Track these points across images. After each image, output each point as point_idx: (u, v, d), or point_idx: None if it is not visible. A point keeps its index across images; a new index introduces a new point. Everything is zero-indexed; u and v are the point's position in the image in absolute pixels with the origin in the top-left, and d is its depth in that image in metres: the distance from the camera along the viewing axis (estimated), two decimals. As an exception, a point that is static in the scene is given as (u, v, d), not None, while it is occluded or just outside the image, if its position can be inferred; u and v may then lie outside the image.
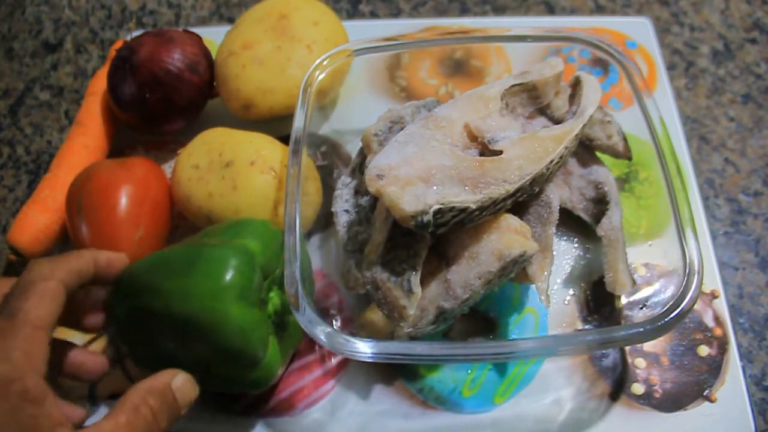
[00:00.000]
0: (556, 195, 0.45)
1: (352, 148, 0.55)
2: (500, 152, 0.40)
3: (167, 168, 0.56)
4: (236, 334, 0.37)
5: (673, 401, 0.43)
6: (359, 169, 0.48)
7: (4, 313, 0.32)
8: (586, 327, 0.46)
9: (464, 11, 0.66)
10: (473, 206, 0.38)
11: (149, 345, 0.40)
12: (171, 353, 0.39)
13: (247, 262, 0.39)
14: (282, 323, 0.42)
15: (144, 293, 0.39)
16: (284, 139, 0.49)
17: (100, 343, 0.48)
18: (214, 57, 0.55)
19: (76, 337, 0.49)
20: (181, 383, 0.35)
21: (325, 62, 0.49)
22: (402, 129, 0.42)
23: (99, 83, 0.57)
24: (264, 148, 0.48)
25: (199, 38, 0.55)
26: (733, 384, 0.43)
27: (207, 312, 0.37)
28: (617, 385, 0.44)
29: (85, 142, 0.54)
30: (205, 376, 0.40)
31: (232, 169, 0.47)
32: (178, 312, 0.38)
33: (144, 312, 0.39)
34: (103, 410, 0.46)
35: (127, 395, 0.33)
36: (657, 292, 0.46)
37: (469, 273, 0.39)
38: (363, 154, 0.48)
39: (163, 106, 0.52)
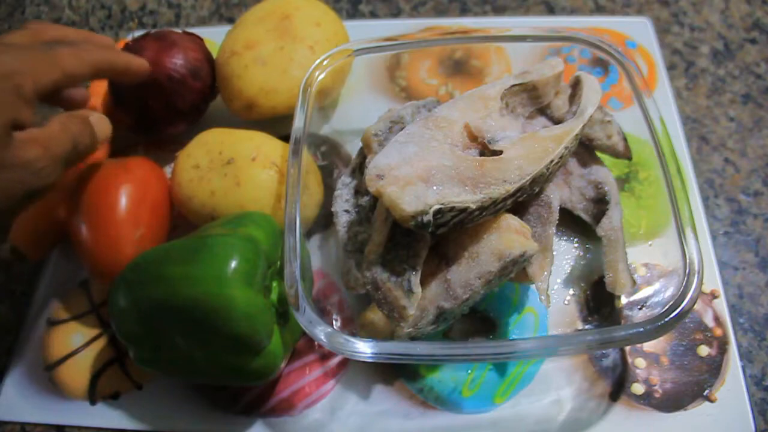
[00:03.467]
0: (556, 195, 0.45)
1: (352, 148, 0.55)
2: (500, 152, 0.40)
3: (167, 168, 0.56)
4: (242, 319, 0.38)
5: (673, 401, 0.43)
6: (359, 169, 0.48)
7: (47, 45, 0.40)
8: (586, 327, 0.46)
9: (464, 11, 0.66)
10: (473, 206, 0.38)
11: (151, 338, 0.40)
12: (173, 344, 0.40)
13: (252, 248, 0.39)
14: (285, 313, 0.42)
15: (147, 284, 0.39)
16: (284, 139, 0.49)
17: (101, 342, 0.49)
18: (214, 57, 0.55)
19: (77, 335, 0.49)
20: (96, 118, 0.43)
21: (325, 62, 0.49)
22: (402, 129, 0.42)
23: (100, 84, 0.57)
24: (264, 144, 0.48)
25: (201, 41, 0.55)
26: (733, 384, 0.43)
27: (212, 297, 0.37)
28: (617, 385, 0.44)
29: (85, 142, 0.54)
30: (209, 367, 0.40)
31: (233, 166, 0.47)
32: (183, 299, 0.38)
33: (147, 303, 0.39)
34: (102, 409, 0.46)
35: (52, 119, 0.39)
36: (657, 292, 0.46)
37: (469, 273, 0.39)
38: (363, 154, 0.48)
39: (164, 111, 0.52)
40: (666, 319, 0.36)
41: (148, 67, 0.48)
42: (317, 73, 0.49)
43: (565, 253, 0.49)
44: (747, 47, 0.61)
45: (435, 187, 0.37)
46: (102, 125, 0.43)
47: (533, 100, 0.47)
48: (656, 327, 0.36)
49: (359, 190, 0.47)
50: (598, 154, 0.49)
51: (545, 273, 0.42)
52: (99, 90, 0.57)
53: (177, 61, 0.51)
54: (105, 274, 0.46)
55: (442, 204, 0.37)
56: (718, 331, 0.45)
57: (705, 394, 0.43)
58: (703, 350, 0.45)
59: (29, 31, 0.42)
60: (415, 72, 0.60)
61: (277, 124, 0.52)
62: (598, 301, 0.47)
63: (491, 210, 0.39)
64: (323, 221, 0.50)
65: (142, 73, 0.47)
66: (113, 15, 0.71)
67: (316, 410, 0.44)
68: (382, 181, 0.38)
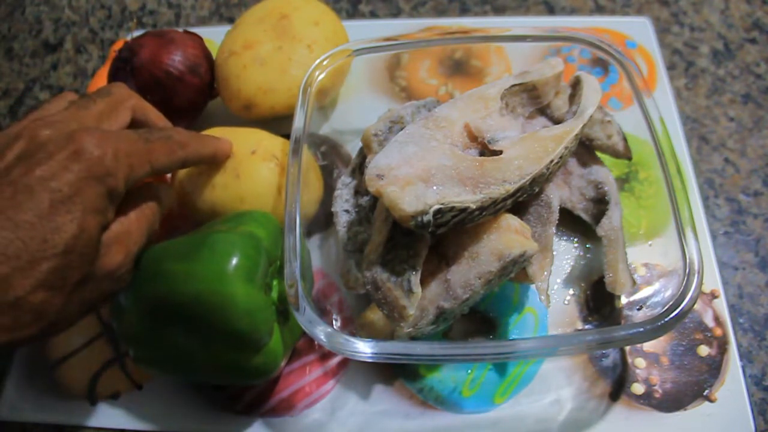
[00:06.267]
0: (556, 195, 0.45)
1: (352, 148, 0.55)
2: (500, 152, 0.40)
3: (167, 168, 0.56)
4: (242, 315, 0.37)
5: (673, 401, 0.43)
6: (359, 169, 0.48)
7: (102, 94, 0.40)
8: (586, 327, 0.46)
9: (464, 11, 0.66)
10: (473, 206, 0.38)
11: (152, 337, 0.40)
12: (174, 342, 0.40)
13: (254, 245, 0.39)
14: (285, 311, 0.42)
15: (148, 281, 0.39)
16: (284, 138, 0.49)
17: (101, 342, 0.49)
18: (214, 57, 0.55)
19: (77, 335, 0.49)
20: (164, 192, 0.42)
21: (325, 62, 0.49)
22: (402, 129, 0.42)
23: (100, 83, 0.57)
24: (263, 139, 0.48)
25: (200, 39, 0.55)
26: (733, 384, 0.43)
27: (213, 294, 0.37)
28: (617, 385, 0.44)
29: (85, 142, 0.54)
30: (209, 365, 0.40)
31: (233, 160, 0.47)
32: (184, 296, 0.38)
33: (147, 301, 0.39)
34: (102, 409, 0.46)
35: (128, 206, 0.38)
36: (657, 292, 0.46)
37: (469, 273, 0.39)
38: (363, 154, 0.48)
39: (163, 108, 0.52)
40: (666, 319, 0.36)
41: (231, 145, 0.46)
42: (317, 72, 0.49)
43: (565, 253, 0.49)
44: (747, 47, 0.61)
45: (435, 187, 0.37)
46: (168, 199, 0.42)
47: (533, 100, 0.47)
48: (656, 327, 0.36)
49: (359, 190, 0.47)
50: (598, 154, 0.49)
51: (545, 273, 0.42)
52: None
53: (175, 57, 0.51)
54: (105, 274, 0.45)
55: (442, 204, 0.37)
56: (718, 331, 0.45)
57: (705, 394, 0.43)
58: (703, 350, 0.45)
59: (111, 98, 0.40)
60: (415, 72, 0.60)
61: (277, 124, 0.52)
62: (598, 301, 0.47)
63: (491, 210, 0.39)
64: (323, 221, 0.50)
65: (227, 155, 0.46)
66: (113, 15, 0.71)
67: (316, 410, 0.44)
68: (382, 181, 0.38)
